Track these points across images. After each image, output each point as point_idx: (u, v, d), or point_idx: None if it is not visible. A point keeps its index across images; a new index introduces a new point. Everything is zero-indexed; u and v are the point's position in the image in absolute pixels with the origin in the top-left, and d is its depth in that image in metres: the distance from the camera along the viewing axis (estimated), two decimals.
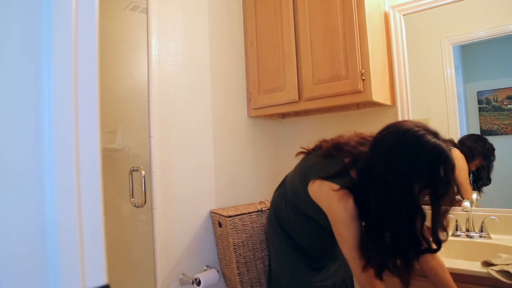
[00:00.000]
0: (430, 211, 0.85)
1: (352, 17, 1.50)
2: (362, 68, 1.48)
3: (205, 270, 1.60)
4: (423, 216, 0.84)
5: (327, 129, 1.95)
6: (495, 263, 1.10)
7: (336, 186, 0.93)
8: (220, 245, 1.62)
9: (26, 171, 0.38)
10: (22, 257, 0.37)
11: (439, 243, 0.87)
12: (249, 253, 1.53)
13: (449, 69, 1.57)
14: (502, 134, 1.45)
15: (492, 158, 1.46)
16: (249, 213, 1.56)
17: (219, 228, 1.58)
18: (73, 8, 0.42)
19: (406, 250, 0.86)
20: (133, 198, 1.53)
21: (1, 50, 0.38)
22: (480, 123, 1.50)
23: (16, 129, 0.38)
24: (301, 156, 1.21)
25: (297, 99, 1.69)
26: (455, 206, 1.43)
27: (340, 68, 1.53)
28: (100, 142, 0.44)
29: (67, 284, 0.39)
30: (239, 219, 1.52)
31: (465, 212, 1.44)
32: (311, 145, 1.20)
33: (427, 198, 0.85)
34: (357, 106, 1.79)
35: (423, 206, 0.84)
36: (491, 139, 1.47)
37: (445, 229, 0.87)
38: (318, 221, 1.08)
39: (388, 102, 1.66)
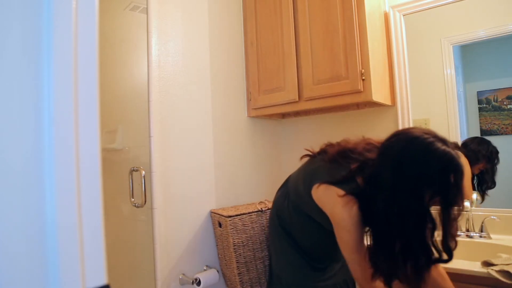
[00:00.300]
0: (439, 219, 0.84)
1: (352, 17, 1.50)
2: (362, 68, 1.48)
3: (205, 270, 1.60)
4: (433, 224, 0.84)
5: (327, 129, 1.95)
6: (495, 263, 1.10)
7: (341, 192, 0.93)
8: (220, 245, 1.62)
9: (26, 171, 0.38)
10: (22, 257, 0.37)
11: (450, 252, 0.86)
12: (249, 253, 1.53)
13: (449, 69, 1.57)
14: (502, 134, 1.45)
15: (496, 161, 1.45)
16: (249, 213, 1.55)
17: (219, 228, 1.58)
18: (73, 8, 0.42)
19: (416, 259, 0.85)
20: (133, 198, 1.53)
21: (1, 50, 0.38)
22: (480, 123, 1.50)
23: (16, 129, 0.38)
24: (305, 159, 1.20)
25: (297, 99, 1.69)
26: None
27: (340, 68, 1.53)
28: (100, 142, 0.44)
29: (67, 284, 0.39)
30: (239, 219, 1.52)
31: (465, 212, 1.44)
32: (313, 145, 1.19)
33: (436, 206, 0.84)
34: (357, 106, 1.79)
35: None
36: (491, 139, 1.47)
37: (454, 237, 0.87)
38: (320, 223, 1.08)
39: (388, 102, 1.66)
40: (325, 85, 1.58)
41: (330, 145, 1.11)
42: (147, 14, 1.50)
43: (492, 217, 1.41)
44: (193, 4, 1.69)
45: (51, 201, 0.39)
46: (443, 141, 0.83)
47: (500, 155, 1.45)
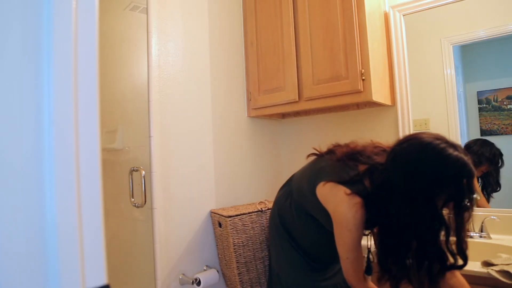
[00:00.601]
0: (452, 224, 0.84)
1: (352, 17, 1.50)
2: (362, 68, 1.48)
3: (205, 270, 1.60)
4: (447, 228, 0.84)
5: (327, 129, 1.95)
6: (495, 263, 1.10)
7: (349, 191, 0.93)
8: (220, 245, 1.62)
9: (26, 171, 0.38)
10: (22, 257, 0.37)
11: (465, 256, 0.86)
12: (249, 253, 1.53)
13: (449, 69, 1.57)
14: (502, 134, 1.45)
15: (499, 164, 1.45)
16: (249, 213, 1.55)
17: (219, 228, 1.58)
18: (73, 8, 0.42)
19: (430, 265, 0.86)
20: (133, 198, 1.53)
21: (1, 50, 0.38)
22: (480, 123, 1.50)
23: (16, 129, 0.38)
24: (311, 157, 1.20)
25: (297, 99, 1.69)
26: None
27: (340, 68, 1.53)
28: (100, 142, 0.44)
29: (67, 284, 0.39)
30: (239, 219, 1.52)
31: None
32: (313, 145, 1.19)
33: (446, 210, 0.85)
34: (357, 106, 1.79)
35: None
36: (491, 139, 1.47)
37: (465, 241, 0.87)
38: (322, 223, 1.08)
39: (388, 102, 1.66)
40: (325, 85, 1.58)
41: (338, 145, 1.12)
42: (147, 14, 1.50)
43: (492, 217, 1.41)
44: (193, 4, 1.69)
45: (51, 201, 0.39)
46: (454, 146, 0.84)
47: None
